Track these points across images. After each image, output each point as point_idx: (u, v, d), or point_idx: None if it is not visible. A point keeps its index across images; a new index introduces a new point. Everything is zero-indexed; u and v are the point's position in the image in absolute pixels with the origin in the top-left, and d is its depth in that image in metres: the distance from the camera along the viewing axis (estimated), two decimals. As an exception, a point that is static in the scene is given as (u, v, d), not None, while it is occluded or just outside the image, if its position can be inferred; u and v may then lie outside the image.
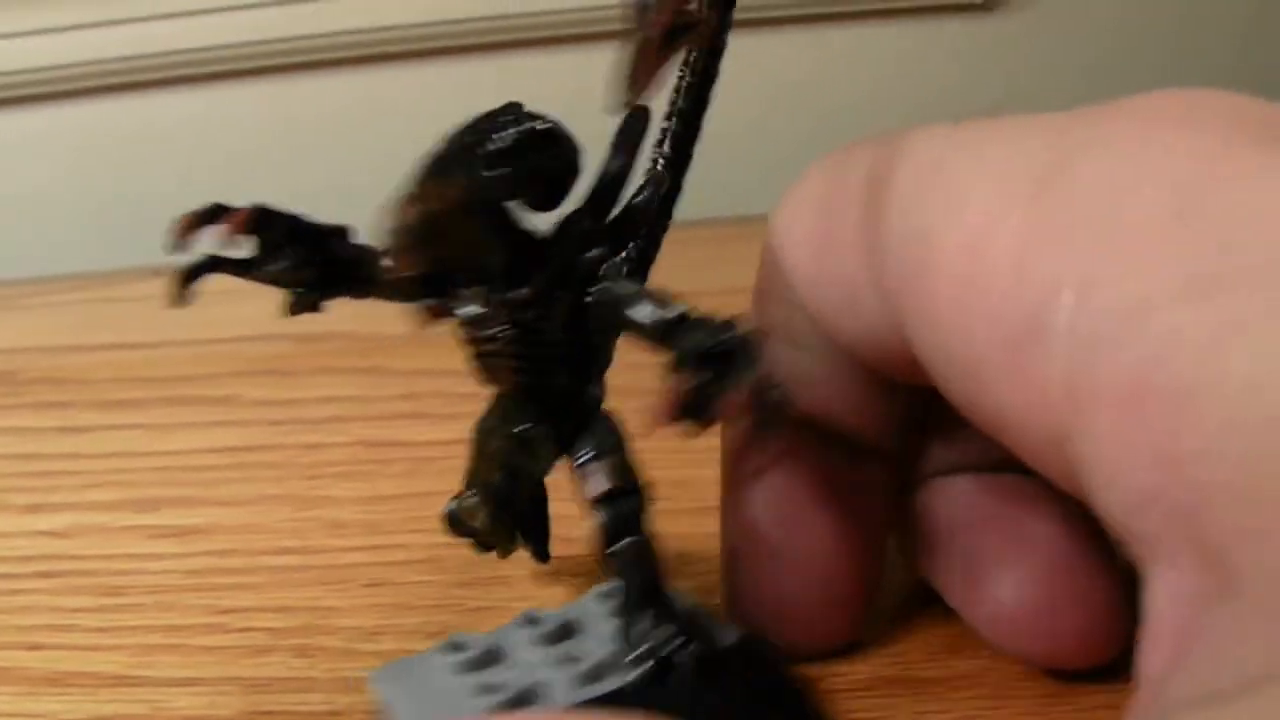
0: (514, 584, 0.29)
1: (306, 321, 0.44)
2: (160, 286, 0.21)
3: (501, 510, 0.23)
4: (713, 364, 0.18)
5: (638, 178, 0.23)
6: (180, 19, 0.58)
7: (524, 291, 0.21)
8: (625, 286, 0.21)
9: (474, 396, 0.23)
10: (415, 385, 0.40)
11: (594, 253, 0.22)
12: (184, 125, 0.60)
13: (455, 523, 0.24)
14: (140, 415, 0.40)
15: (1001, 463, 0.24)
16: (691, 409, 0.18)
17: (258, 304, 0.22)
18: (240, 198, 0.22)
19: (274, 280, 0.22)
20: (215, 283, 0.22)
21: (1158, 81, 0.19)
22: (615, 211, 0.22)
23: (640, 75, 0.21)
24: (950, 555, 0.24)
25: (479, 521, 0.23)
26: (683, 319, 0.20)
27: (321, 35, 0.58)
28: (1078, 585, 0.23)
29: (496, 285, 0.21)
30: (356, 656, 0.27)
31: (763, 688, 0.23)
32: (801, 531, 0.24)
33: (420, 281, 0.21)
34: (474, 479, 0.23)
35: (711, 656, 0.22)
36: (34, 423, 0.40)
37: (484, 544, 0.24)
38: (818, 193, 0.23)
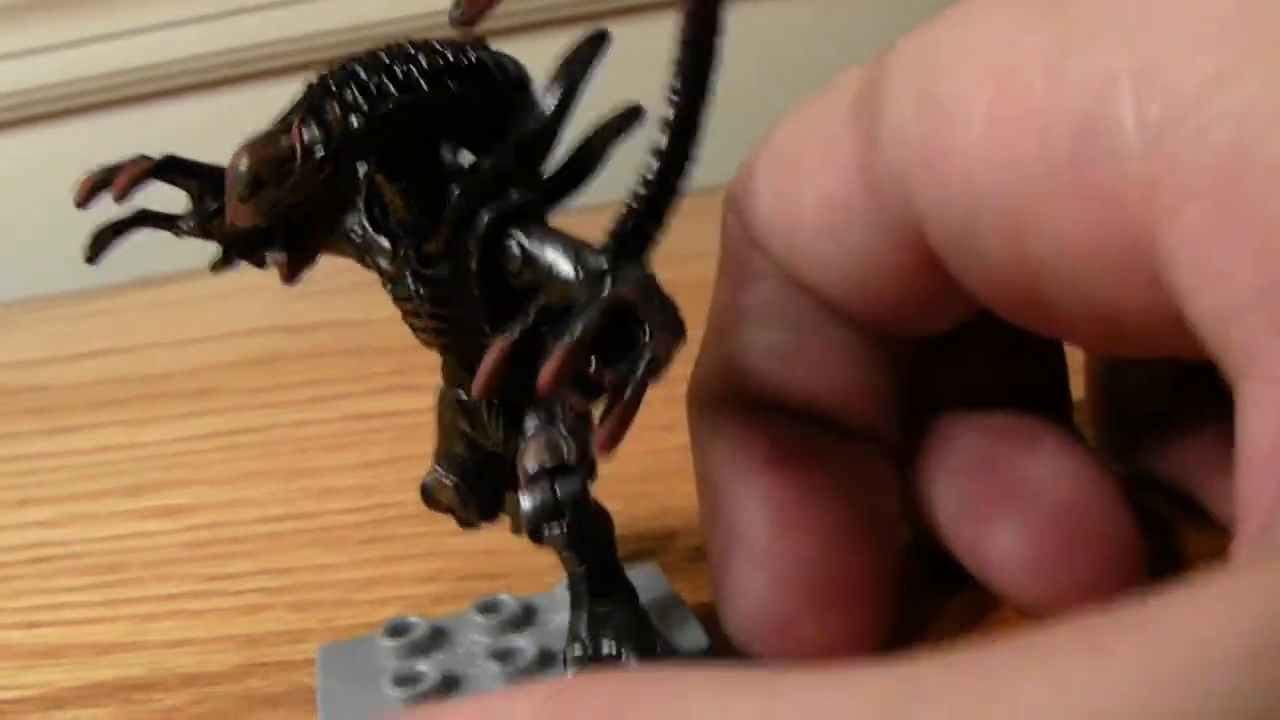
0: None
1: (291, 315, 0.44)
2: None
3: (467, 485, 0.21)
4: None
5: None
6: (148, 34, 0.58)
7: (430, 244, 0.19)
8: (531, 231, 0.18)
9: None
10: (407, 360, 0.40)
11: (514, 198, 0.18)
12: (147, 144, 0.60)
13: (429, 497, 0.22)
14: (125, 412, 0.40)
15: (995, 398, 0.22)
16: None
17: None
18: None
19: (202, 231, 0.21)
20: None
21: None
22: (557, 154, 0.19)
23: None
24: (949, 500, 0.22)
25: (445, 497, 0.22)
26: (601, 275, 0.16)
27: (301, 38, 0.58)
28: (1084, 532, 0.21)
29: (408, 238, 0.19)
30: (353, 605, 0.26)
31: None
32: (793, 531, 0.20)
33: (274, 235, 0.18)
34: (440, 452, 0.22)
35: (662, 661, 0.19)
36: (21, 427, 0.40)
37: (462, 520, 0.22)
38: (782, 141, 0.21)
